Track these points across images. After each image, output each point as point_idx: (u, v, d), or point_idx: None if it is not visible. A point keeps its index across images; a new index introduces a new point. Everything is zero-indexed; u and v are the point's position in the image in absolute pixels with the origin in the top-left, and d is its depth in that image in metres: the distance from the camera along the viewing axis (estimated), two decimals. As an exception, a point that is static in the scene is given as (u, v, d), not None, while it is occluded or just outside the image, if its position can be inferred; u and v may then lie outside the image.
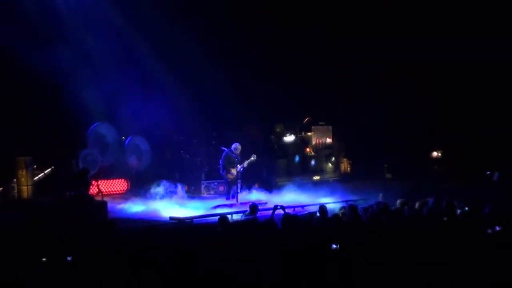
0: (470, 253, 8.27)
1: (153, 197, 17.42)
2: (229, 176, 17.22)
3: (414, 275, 7.50)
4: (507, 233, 9.38)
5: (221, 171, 17.63)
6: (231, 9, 19.56)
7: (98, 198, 15.71)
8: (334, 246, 8.53)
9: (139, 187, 18.55)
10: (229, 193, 17.29)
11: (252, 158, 17.35)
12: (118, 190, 18.89)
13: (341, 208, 12.78)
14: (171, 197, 17.48)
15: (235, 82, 19.54)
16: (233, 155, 17.28)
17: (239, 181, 17.33)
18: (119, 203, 16.98)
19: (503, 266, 7.80)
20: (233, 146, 17.52)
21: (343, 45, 20.30)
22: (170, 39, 20.37)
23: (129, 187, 19.14)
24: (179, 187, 17.99)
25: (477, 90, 19.48)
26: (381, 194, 14.65)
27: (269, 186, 19.07)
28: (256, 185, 18.62)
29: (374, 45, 20.01)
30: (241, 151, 17.53)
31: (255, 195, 17.69)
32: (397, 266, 7.80)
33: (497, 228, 9.65)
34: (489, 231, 9.57)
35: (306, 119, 21.67)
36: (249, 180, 18.31)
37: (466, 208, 11.78)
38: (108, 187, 18.34)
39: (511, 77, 18.93)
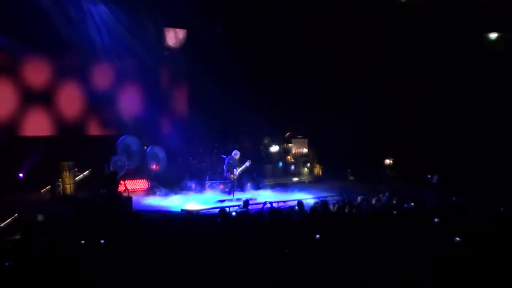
0: (415, 239, 8.31)
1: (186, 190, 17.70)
2: (232, 176, 17.20)
3: (371, 253, 7.51)
4: (444, 223, 9.42)
5: (225, 174, 17.57)
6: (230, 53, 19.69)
7: (125, 194, 15.66)
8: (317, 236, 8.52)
9: (160, 185, 18.55)
10: (231, 190, 17.23)
11: (247, 165, 17.37)
12: (140, 188, 18.82)
13: (315, 203, 12.78)
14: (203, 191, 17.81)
15: (233, 105, 19.54)
16: (231, 161, 17.29)
17: (236, 181, 17.35)
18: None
19: (441, 248, 7.83)
20: (234, 152, 17.50)
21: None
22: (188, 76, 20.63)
23: (149, 185, 19.08)
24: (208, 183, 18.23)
25: (421, 111, 19.53)
26: (360, 197, 13.91)
27: (259, 186, 19.06)
28: (249, 185, 18.61)
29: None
30: (238, 157, 17.57)
31: (252, 193, 17.67)
32: (357, 246, 7.82)
33: (436, 220, 9.69)
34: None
35: (288, 133, 21.71)
36: (243, 181, 18.30)
37: (412, 204, 11.82)
38: (132, 185, 18.25)
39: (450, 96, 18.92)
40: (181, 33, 20.98)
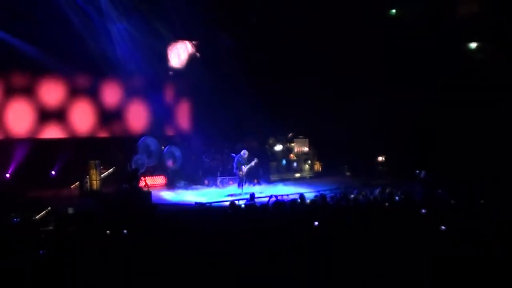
0: (404, 228, 8.32)
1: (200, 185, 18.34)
2: (240, 173, 17.22)
3: (365, 240, 7.52)
4: (431, 215, 9.39)
5: (234, 170, 17.59)
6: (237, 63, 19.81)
7: (145, 189, 15.71)
8: (316, 223, 8.51)
9: (176, 181, 18.65)
10: (240, 184, 17.25)
11: (252, 163, 17.41)
12: (159, 184, 18.90)
13: (315, 196, 12.80)
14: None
15: (242, 109, 19.61)
16: (241, 159, 17.33)
17: (244, 177, 17.40)
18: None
19: (428, 234, 7.84)
20: (242, 152, 17.51)
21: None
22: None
23: (166, 181, 19.16)
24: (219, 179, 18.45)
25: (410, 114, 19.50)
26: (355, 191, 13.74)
27: (265, 181, 19.12)
28: (256, 180, 18.66)
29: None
30: (246, 156, 17.61)
31: (259, 188, 17.69)
32: (353, 234, 7.84)
33: (423, 211, 9.66)
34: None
35: (290, 134, 21.72)
36: (251, 177, 18.34)
37: (402, 196, 11.81)
38: (152, 181, 18.31)
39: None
40: (184, 53, 20.70)
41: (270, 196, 12.94)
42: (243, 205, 12.23)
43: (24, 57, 16.99)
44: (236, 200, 13.85)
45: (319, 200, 11.42)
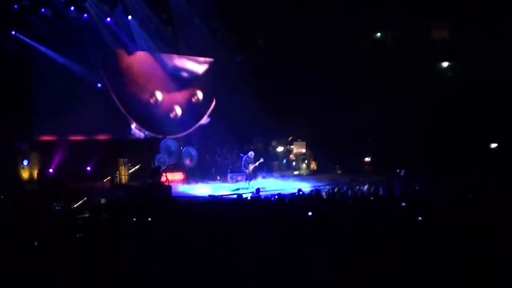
0: (386, 218, 8.30)
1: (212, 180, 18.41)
2: (247, 170, 17.21)
3: (353, 228, 7.49)
4: (409, 207, 9.36)
5: (242, 168, 17.57)
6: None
7: (166, 184, 15.76)
8: (309, 213, 8.50)
9: (192, 177, 18.65)
10: (247, 180, 17.26)
11: (257, 163, 17.41)
12: (178, 179, 18.92)
13: (311, 191, 12.79)
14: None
15: (249, 116, 19.65)
16: (248, 159, 17.34)
17: (251, 174, 17.40)
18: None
19: (408, 224, 7.81)
20: (250, 153, 17.54)
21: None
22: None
23: (184, 177, 19.20)
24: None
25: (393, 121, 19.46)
26: (345, 186, 13.70)
27: (268, 177, 19.14)
28: (260, 176, 18.68)
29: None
30: (253, 156, 17.61)
31: (262, 182, 17.70)
32: (342, 223, 7.83)
33: (403, 204, 9.63)
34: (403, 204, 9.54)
35: (290, 138, 21.77)
36: (257, 173, 18.35)
37: (385, 191, 11.77)
38: (172, 177, 18.31)
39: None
40: None
41: (272, 194, 12.90)
42: (249, 198, 12.24)
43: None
44: (243, 193, 13.86)
45: (314, 194, 11.43)
